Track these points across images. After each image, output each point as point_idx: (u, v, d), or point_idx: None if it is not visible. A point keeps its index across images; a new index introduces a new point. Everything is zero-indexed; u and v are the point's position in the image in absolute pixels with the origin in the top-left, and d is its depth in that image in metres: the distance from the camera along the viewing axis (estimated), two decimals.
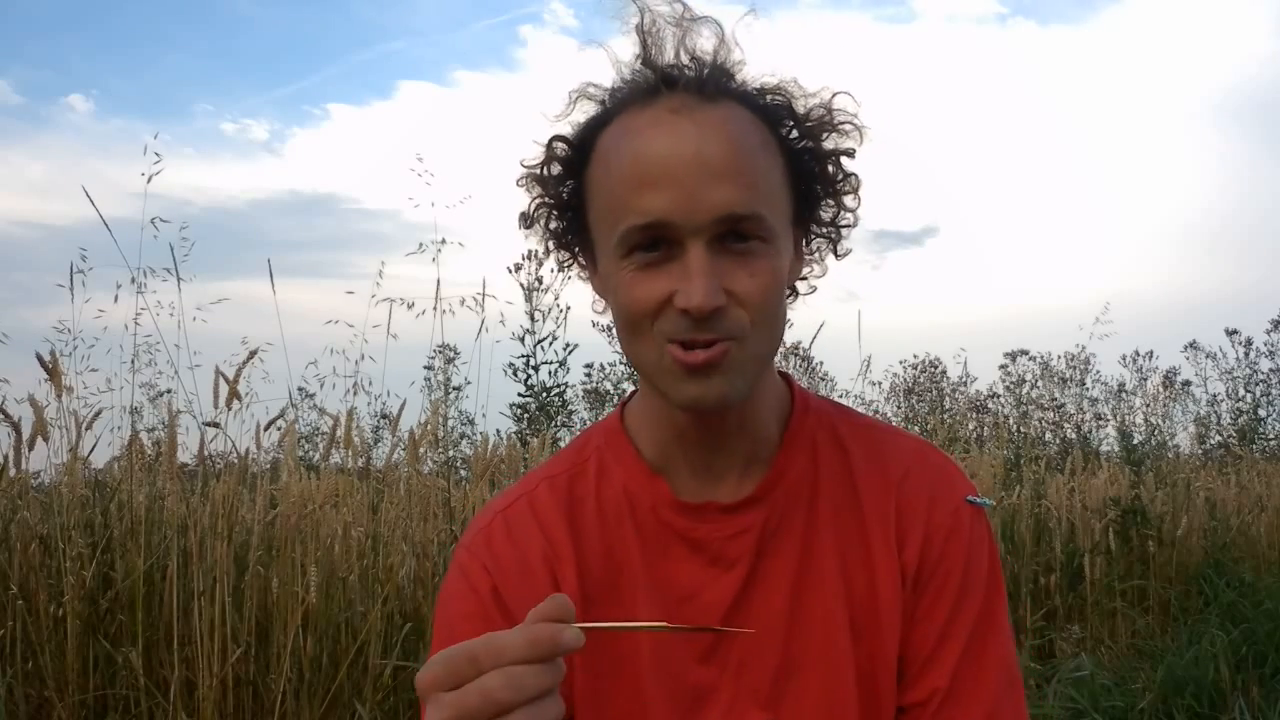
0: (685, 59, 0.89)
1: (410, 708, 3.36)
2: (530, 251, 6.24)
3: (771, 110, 0.91)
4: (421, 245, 3.66)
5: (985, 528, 0.98)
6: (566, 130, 0.93)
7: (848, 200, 0.96)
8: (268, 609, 3.28)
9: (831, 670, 0.92)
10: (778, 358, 0.98)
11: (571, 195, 0.94)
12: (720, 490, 0.95)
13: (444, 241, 3.69)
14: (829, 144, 0.94)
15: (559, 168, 0.94)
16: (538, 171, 0.95)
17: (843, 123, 0.94)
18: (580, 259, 0.98)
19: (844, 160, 0.95)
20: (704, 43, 0.90)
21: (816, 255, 0.98)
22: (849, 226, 0.98)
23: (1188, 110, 29.00)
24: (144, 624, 3.20)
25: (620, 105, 0.90)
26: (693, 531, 0.94)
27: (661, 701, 0.92)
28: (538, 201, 0.96)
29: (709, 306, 0.83)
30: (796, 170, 0.92)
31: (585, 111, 0.93)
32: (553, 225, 0.97)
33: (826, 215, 0.96)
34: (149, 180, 3.32)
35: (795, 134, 0.92)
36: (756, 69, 0.92)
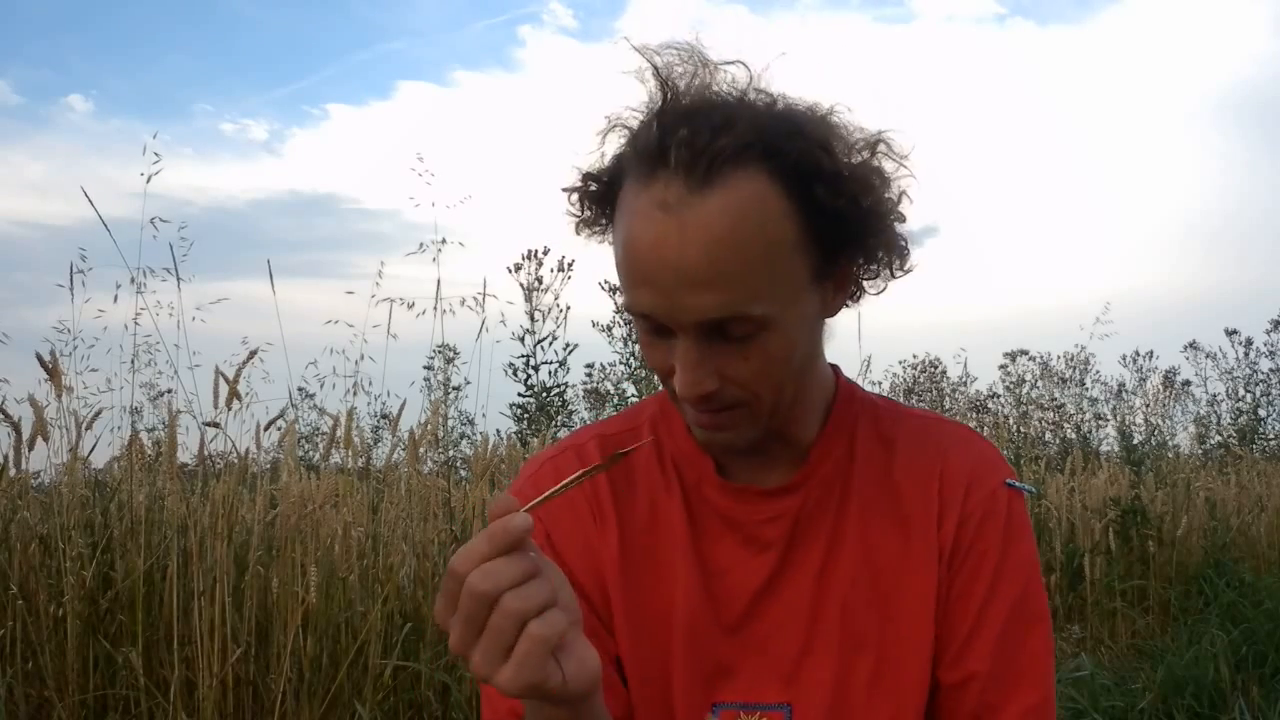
0: (689, 130, 0.83)
1: (410, 708, 3.36)
2: (530, 251, 6.26)
3: (791, 165, 0.85)
4: (421, 245, 3.66)
5: (1024, 513, 0.99)
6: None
7: (893, 233, 0.92)
8: (268, 609, 3.28)
9: (845, 656, 0.94)
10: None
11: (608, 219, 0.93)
12: (761, 475, 0.98)
13: (444, 241, 3.69)
14: (869, 186, 0.88)
15: (593, 203, 0.94)
16: (579, 209, 0.95)
17: (881, 160, 0.89)
18: None
19: (887, 201, 0.90)
20: (720, 85, 0.86)
21: (881, 275, 0.95)
22: (904, 252, 0.95)
23: (1187, 110, 28.97)
24: (144, 624, 3.19)
25: (630, 167, 0.87)
26: (731, 511, 0.98)
27: (687, 672, 0.95)
28: (589, 222, 0.95)
29: (694, 396, 0.87)
30: (823, 224, 0.87)
31: (618, 140, 0.90)
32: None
33: (879, 251, 0.93)
34: (148, 180, 3.32)
35: (824, 185, 0.85)
36: (790, 95, 0.87)
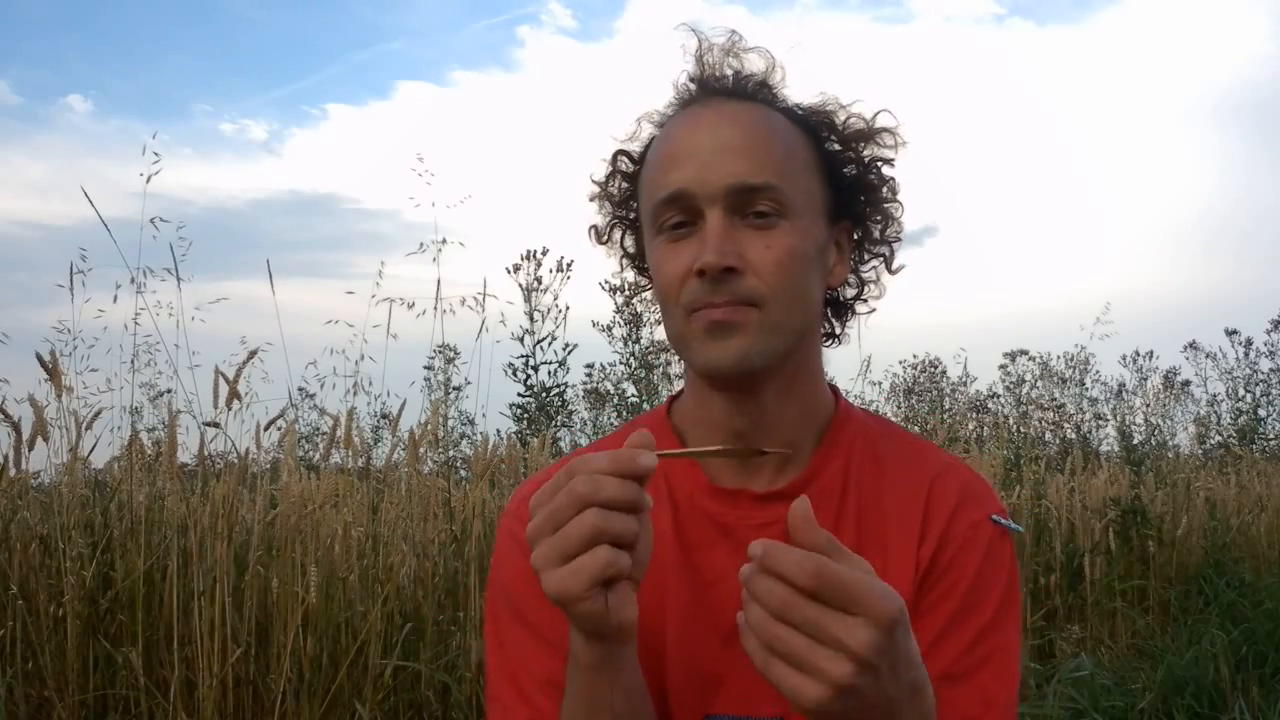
0: (729, 74, 0.98)
1: (410, 708, 3.36)
2: (529, 252, 6.26)
3: (806, 118, 0.98)
4: (421, 245, 3.66)
5: (1007, 553, 0.98)
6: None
7: (887, 207, 1.02)
8: (268, 609, 3.28)
9: None
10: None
11: (636, 212, 1.03)
12: (755, 481, 0.98)
13: (444, 241, 3.69)
14: (866, 153, 1.00)
15: (621, 181, 1.03)
16: (604, 186, 1.04)
17: (880, 131, 1.00)
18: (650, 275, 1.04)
19: (883, 169, 1.01)
20: (750, 64, 0.99)
21: (872, 274, 1.04)
22: (897, 240, 1.03)
23: (1186, 110, 28.97)
24: (144, 624, 3.20)
25: (668, 116, 1.00)
26: (724, 517, 0.97)
27: (680, 683, 0.95)
28: (610, 219, 1.06)
29: (719, 265, 0.89)
30: (832, 172, 0.98)
31: (649, 132, 1.02)
32: (627, 245, 1.06)
33: (874, 230, 1.02)
34: (148, 180, 3.32)
35: (832, 142, 0.99)
36: (804, 91, 1.00)
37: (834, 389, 1.05)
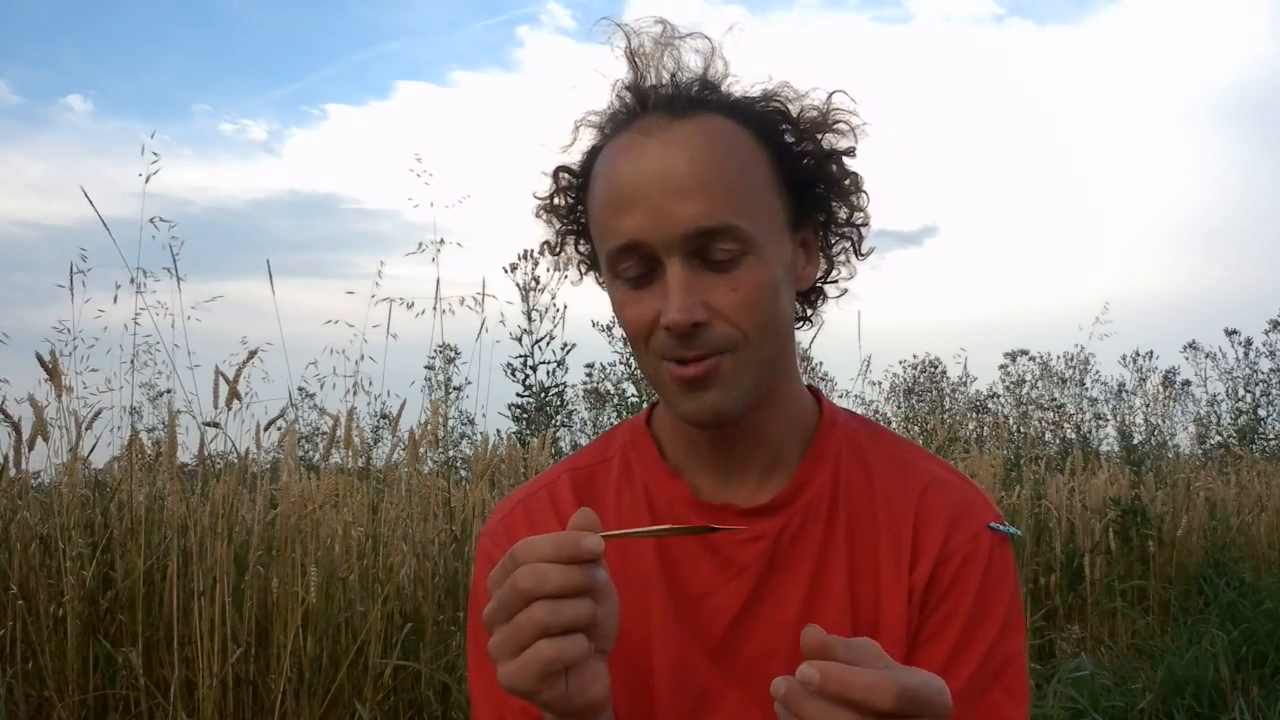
0: (666, 78, 0.91)
1: (410, 708, 3.36)
2: (526, 251, 6.25)
3: (758, 116, 0.92)
4: (421, 245, 3.67)
5: (1008, 559, 0.96)
6: (573, 157, 0.97)
7: (852, 197, 0.96)
8: (268, 609, 3.28)
9: None
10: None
11: (585, 217, 0.97)
12: (739, 494, 0.96)
13: (443, 241, 3.69)
14: (826, 143, 0.94)
15: (567, 196, 0.98)
16: (549, 202, 0.99)
17: (837, 121, 0.94)
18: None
19: (844, 158, 0.95)
20: (688, 59, 0.92)
21: (842, 257, 1.00)
22: (864, 225, 0.99)
23: (1186, 110, 28.97)
24: (144, 624, 3.20)
25: (607, 131, 0.94)
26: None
27: (668, 700, 0.93)
28: (561, 229, 1.00)
29: (686, 323, 0.85)
30: (792, 173, 0.92)
31: (589, 138, 0.96)
32: (581, 249, 1.01)
33: (841, 215, 0.97)
34: (146, 180, 3.34)
35: (789, 137, 0.92)
36: (751, 76, 0.93)
37: (813, 390, 1.02)
